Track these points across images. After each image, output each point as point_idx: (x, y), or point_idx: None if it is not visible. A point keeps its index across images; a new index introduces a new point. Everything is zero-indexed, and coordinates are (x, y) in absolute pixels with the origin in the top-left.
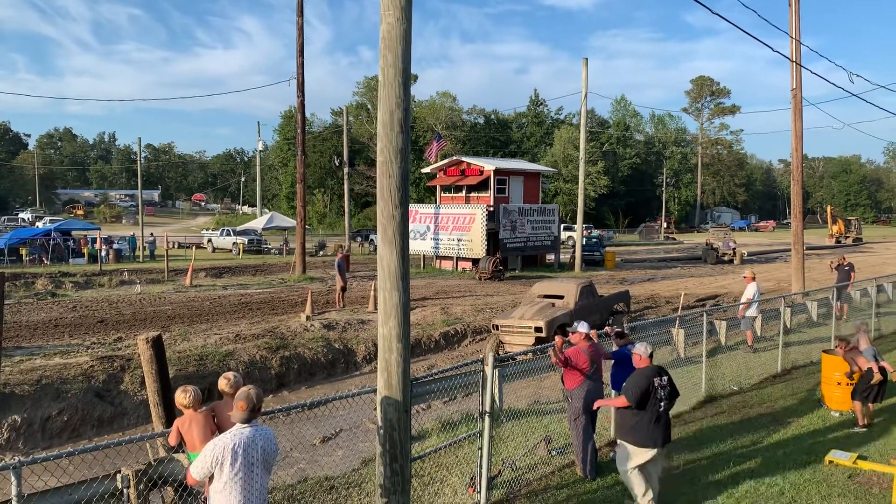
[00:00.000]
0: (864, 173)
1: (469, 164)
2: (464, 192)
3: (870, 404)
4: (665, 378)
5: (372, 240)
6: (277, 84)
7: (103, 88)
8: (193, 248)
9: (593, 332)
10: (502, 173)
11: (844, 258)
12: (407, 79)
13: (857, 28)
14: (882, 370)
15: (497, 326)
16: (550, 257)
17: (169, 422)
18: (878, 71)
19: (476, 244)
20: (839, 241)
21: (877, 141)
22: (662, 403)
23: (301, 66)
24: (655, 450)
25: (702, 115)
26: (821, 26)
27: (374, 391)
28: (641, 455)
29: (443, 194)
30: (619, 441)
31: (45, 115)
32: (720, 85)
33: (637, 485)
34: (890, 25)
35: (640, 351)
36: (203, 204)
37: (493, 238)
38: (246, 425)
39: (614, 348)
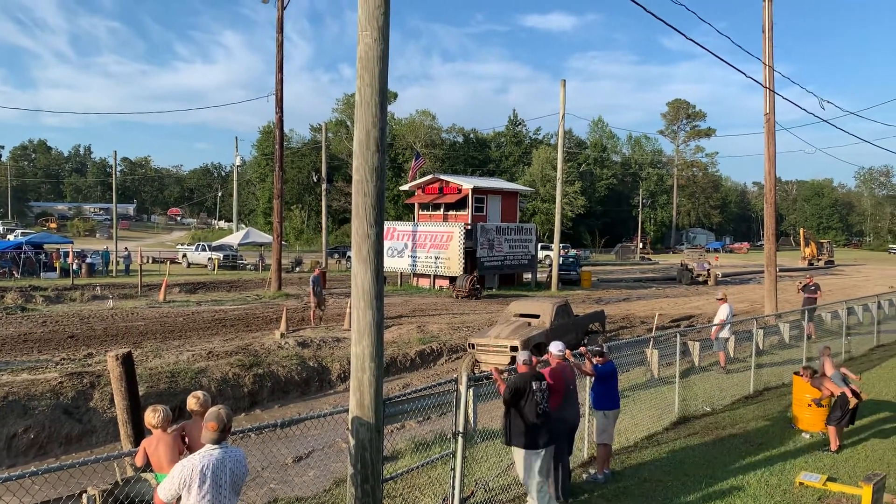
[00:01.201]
0: (835, 197)
1: (447, 182)
2: (442, 210)
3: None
4: (544, 384)
5: (349, 256)
6: (256, 99)
7: (80, 101)
8: (168, 263)
9: (568, 353)
10: (480, 192)
11: (812, 278)
12: (384, 98)
13: (828, 56)
14: (855, 393)
15: (473, 345)
16: (527, 276)
17: (137, 440)
18: (849, 98)
19: (453, 262)
20: (811, 264)
21: (848, 165)
22: (541, 406)
23: (280, 82)
24: (542, 450)
25: (678, 137)
26: (793, 54)
27: (347, 411)
28: (531, 457)
29: (421, 212)
30: (512, 448)
31: (20, 126)
32: (696, 108)
33: (534, 495)
34: (860, 54)
35: (519, 360)
36: (179, 218)
37: (470, 256)
38: (215, 446)
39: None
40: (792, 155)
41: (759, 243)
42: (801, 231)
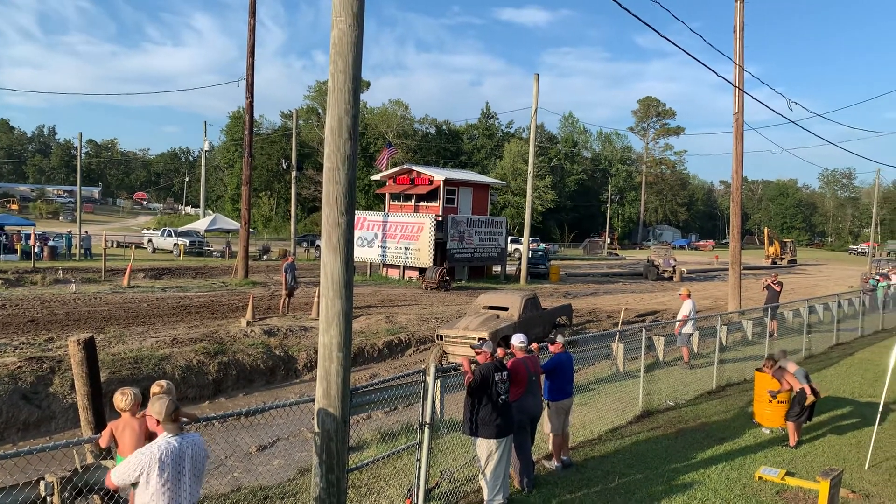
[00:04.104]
0: (800, 197)
1: (419, 173)
2: (413, 200)
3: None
4: (505, 374)
5: (318, 245)
6: (227, 84)
7: (45, 80)
8: (133, 247)
9: (534, 345)
10: (452, 184)
11: (776, 275)
12: (357, 86)
13: (797, 58)
14: (814, 391)
15: (441, 337)
16: (497, 269)
17: (98, 427)
18: (816, 100)
19: (423, 253)
20: (775, 262)
21: (813, 167)
22: (502, 397)
23: (251, 67)
24: (503, 439)
25: (647, 134)
26: (764, 55)
27: (314, 400)
28: (491, 446)
29: (392, 202)
30: (472, 438)
31: None
32: (666, 106)
33: (491, 487)
34: (828, 57)
35: (484, 349)
36: (145, 203)
37: (440, 248)
38: (172, 435)
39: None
40: (758, 155)
41: (724, 241)
42: (766, 230)
